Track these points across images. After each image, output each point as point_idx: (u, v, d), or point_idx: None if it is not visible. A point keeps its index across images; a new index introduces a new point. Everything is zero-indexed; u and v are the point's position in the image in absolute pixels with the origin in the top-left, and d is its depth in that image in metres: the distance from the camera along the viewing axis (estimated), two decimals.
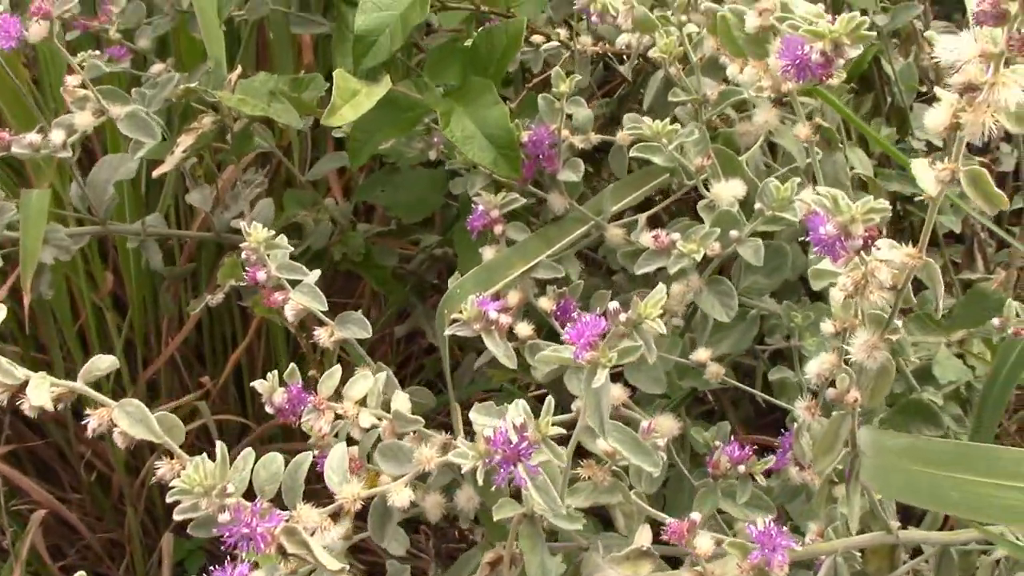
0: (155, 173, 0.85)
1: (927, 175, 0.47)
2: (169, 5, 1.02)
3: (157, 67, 1.00)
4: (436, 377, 1.22)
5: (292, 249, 0.66)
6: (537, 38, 0.80)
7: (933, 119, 0.44)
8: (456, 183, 0.93)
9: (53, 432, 1.27)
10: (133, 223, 1.04)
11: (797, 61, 0.54)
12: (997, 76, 0.40)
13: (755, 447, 1.21)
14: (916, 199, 1.02)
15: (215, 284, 0.96)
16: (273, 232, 0.64)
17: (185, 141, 0.86)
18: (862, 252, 0.51)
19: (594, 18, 0.67)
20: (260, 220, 1.06)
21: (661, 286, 0.55)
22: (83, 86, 0.73)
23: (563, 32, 0.80)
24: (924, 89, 1.18)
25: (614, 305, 0.54)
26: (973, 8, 0.39)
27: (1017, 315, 0.75)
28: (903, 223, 1.19)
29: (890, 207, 0.49)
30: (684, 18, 0.69)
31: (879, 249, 0.51)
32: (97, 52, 0.97)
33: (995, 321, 0.75)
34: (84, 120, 0.74)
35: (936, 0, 1.25)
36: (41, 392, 0.46)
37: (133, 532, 1.22)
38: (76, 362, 1.24)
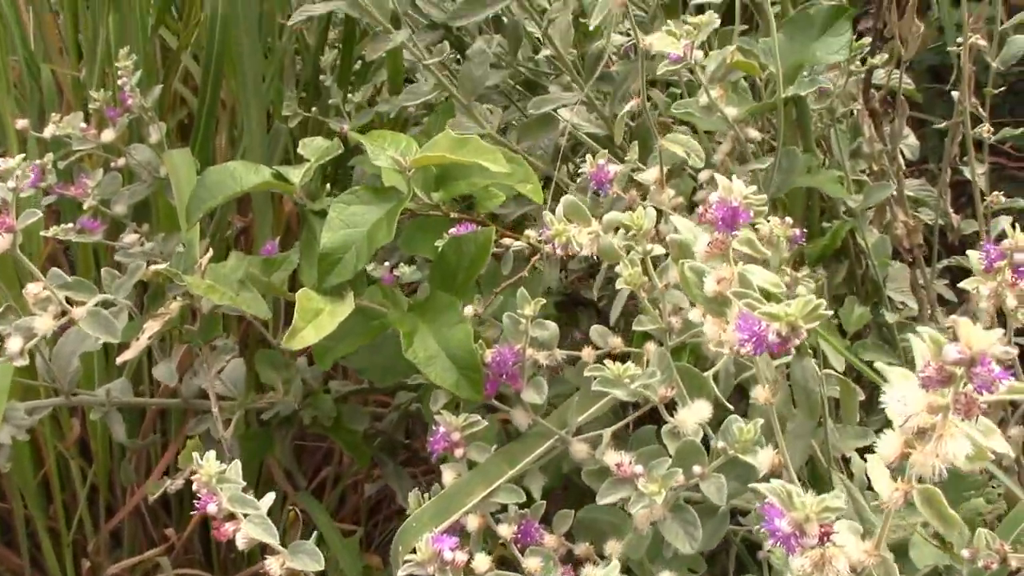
0: (119, 360, 0.84)
1: (885, 485, 0.46)
2: (147, 173, 1.03)
3: (131, 237, 1.00)
4: None
5: (244, 483, 0.64)
6: (506, 240, 0.81)
7: (885, 448, 0.43)
8: None
9: None
10: (100, 386, 1.02)
11: (754, 337, 0.53)
12: (945, 428, 0.40)
13: None
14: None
15: (175, 463, 0.94)
16: (224, 467, 0.63)
17: (152, 327, 0.85)
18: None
19: (558, 250, 0.67)
20: (230, 382, 1.06)
21: (615, 563, 0.53)
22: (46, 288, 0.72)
23: (533, 233, 0.81)
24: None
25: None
26: (919, 372, 0.39)
27: (987, 543, 0.73)
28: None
29: (845, 505, 0.49)
30: (649, 247, 0.69)
31: (834, 543, 0.50)
32: (71, 225, 0.98)
33: (965, 552, 0.73)
34: (44, 324, 0.73)
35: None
36: None
37: None
38: (37, 511, 1.22)
